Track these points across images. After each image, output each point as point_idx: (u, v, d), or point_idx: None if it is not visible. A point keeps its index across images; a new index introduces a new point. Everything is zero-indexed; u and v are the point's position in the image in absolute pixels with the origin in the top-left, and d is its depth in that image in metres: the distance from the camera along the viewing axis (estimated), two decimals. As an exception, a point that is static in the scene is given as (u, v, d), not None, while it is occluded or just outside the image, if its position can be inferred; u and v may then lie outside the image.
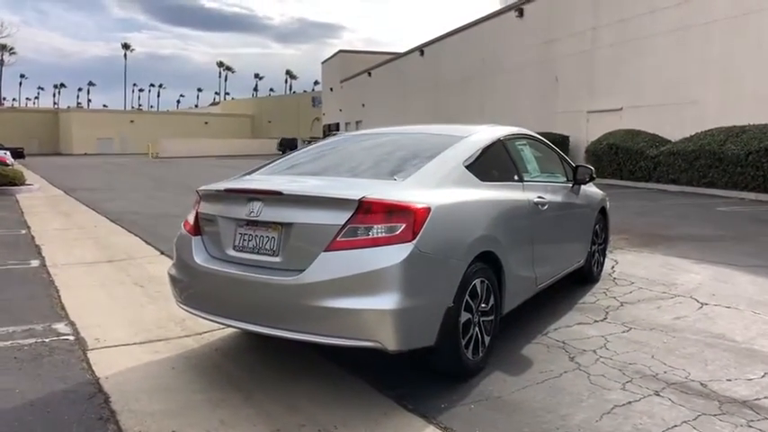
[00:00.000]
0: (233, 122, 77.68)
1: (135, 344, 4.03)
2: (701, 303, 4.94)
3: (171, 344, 4.03)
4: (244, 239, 3.26)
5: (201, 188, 3.67)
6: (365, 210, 2.91)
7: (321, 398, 3.16)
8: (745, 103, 16.02)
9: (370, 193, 2.97)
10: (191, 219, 3.64)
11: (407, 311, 2.86)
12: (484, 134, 4.08)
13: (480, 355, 3.42)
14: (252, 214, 3.18)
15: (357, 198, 2.92)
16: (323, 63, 64.21)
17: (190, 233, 3.56)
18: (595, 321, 4.48)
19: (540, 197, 4.29)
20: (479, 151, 3.84)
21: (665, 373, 3.47)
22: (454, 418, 2.93)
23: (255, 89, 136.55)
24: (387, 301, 2.80)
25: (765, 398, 3.12)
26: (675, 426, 2.83)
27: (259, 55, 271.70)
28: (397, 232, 2.87)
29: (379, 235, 2.87)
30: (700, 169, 15.36)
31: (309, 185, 3.47)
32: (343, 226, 2.90)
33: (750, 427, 2.82)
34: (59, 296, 5.21)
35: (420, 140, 4.14)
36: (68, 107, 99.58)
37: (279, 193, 3.17)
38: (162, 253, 7.16)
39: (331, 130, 54.00)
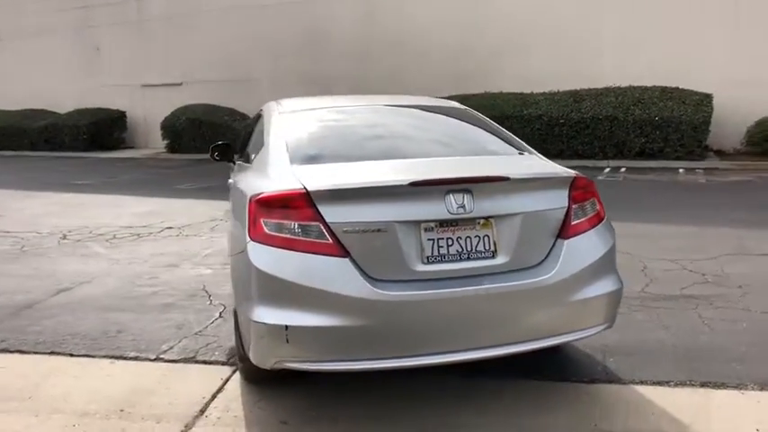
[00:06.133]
0: None
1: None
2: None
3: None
4: (439, 246, 2.42)
5: (317, 186, 2.40)
6: (577, 188, 2.67)
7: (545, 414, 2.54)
8: (290, 79, 18.06)
9: (569, 170, 2.76)
10: (305, 233, 2.34)
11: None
12: None
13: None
14: (460, 210, 2.42)
15: (572, 175, 2.69)
16: None
17: (332, 254, 2.32)
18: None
19: None
20: None
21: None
22: (679, 371, 2.94)
23: None
24: (615, 280, 2.70)
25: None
26: None
27: None
28: (597, 209, 2.74)
29: (591, 213, 2.69)
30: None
31: (511, 165, 2.85)
32: (569, 208, 2.61)
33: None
34: None
35: (447, 112, 3.71)
36: None
37: (505, 179, 2.49)
38: None
39: None
